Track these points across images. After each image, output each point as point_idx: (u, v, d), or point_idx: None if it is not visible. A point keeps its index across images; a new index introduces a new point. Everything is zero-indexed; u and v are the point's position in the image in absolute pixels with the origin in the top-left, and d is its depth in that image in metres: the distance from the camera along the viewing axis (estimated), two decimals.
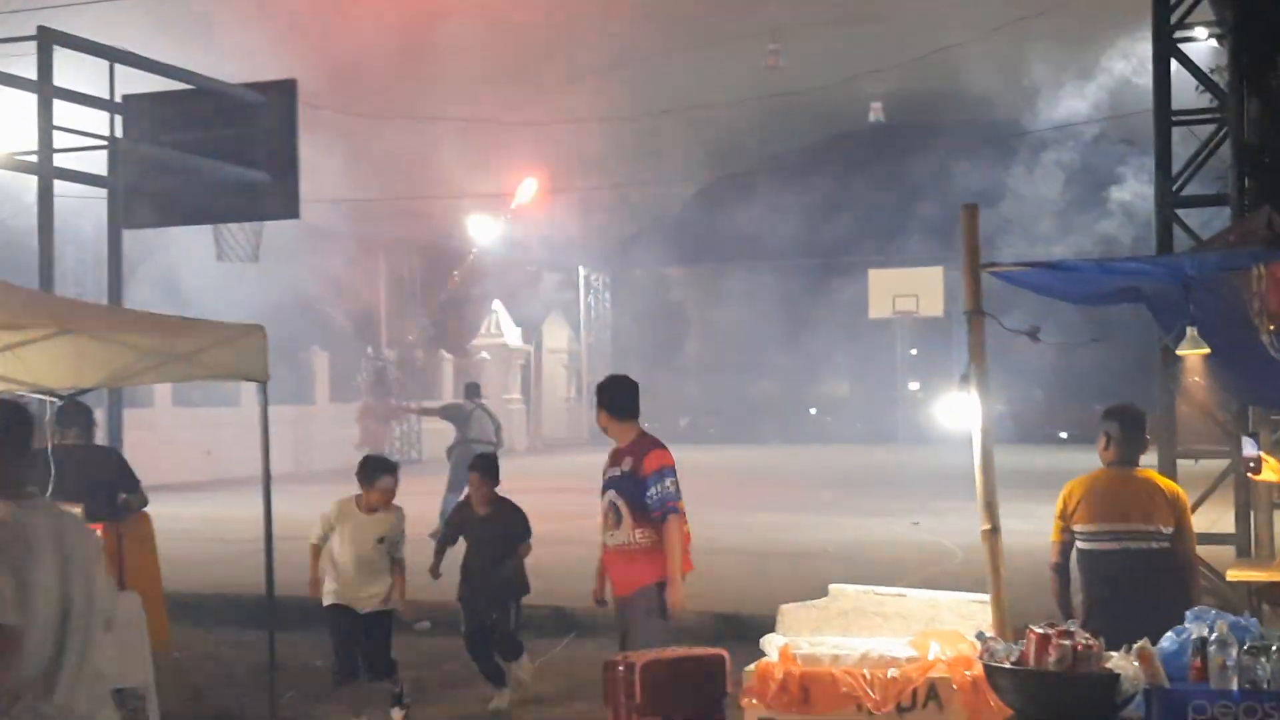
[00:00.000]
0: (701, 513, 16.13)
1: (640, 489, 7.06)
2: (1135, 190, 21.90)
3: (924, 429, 34.25)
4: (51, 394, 8.06)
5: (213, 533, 16.62)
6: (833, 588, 6.28)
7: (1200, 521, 9.05)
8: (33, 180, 12.09)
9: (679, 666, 6.11)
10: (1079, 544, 6.30)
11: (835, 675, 5.64)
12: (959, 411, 5.93)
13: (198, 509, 18.38)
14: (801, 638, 5.99)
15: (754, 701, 5.75)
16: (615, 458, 7.27)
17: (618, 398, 7.35)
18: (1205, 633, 4.66)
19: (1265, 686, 4.44)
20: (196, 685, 9.31)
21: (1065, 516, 6.36)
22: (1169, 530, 6.19)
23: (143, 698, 8.05)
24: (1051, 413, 29.20)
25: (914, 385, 36.03)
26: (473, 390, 17.99)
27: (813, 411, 39.08)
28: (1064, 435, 26.27)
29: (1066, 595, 6.34)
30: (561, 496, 17.57)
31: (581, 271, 39.49)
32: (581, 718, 8.41)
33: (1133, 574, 6.11)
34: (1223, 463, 9.31)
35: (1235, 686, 4.48)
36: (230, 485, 23.80)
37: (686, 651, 6.36)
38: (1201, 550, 9.03)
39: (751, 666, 5.88)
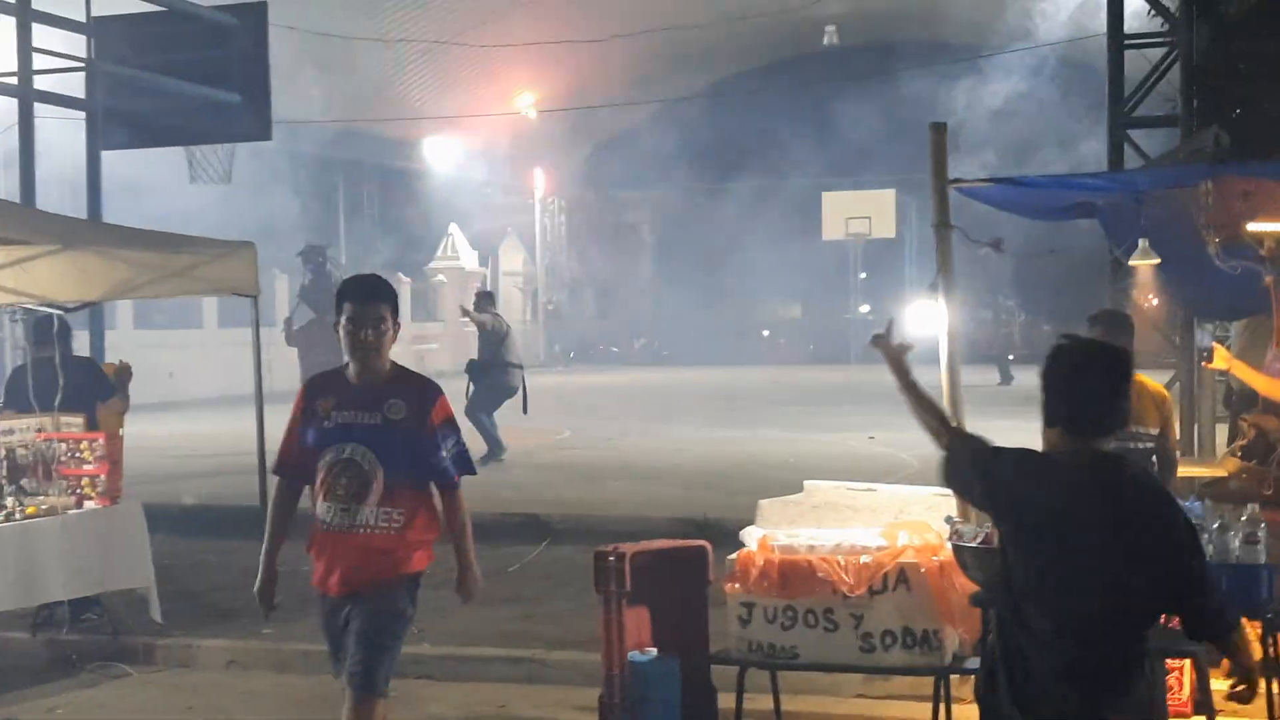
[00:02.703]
0: (664, 430, 16.68)
1: (425, 447, 5.32)
2: (1087, 111, 22.30)
3: (874, 350, 34.86)
4: (58, 306, 8.36)
5: (188, 449, 16.91)
6: (807, 484, 6.72)
7: None
8: None
9: (665, 556, 6.56)
10: None
11: (811, 562, 6.09)
12: (926, 319, 6.37)
13: (164, 428, 18.61)
14: (779, 530, 6.43)
15: (736, 587, 6.19)
16: (362, 397, 5.27)
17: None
18: None
19: (1208, 559, 4.92)
20: (190, 589, 9.69)
21: None
22: (1154, 432, 6.50)
23: (145, 598, 8.48)
24: (1003, 332, 29.75)
25: (865, 307, 36.60)
26: (488, 301, 15.92)
27: (765, 333, 39.58)
28: (1011, 357, 26.80)
29: None
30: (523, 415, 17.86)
31: (537, 194, 39.65)
32: (564, 613, 8.84)
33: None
34: (1168, 374, 9.82)
35: None
36: (193, 406, 24.04)
37: (672, 543, 6.81)
38: None
39: (733, 556, 6.32)
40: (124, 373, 8.91)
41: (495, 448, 14.94)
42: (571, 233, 41.03)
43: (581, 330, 40.66)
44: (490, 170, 35.40)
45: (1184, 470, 7.11)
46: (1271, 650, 5.70)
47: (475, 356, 15.50)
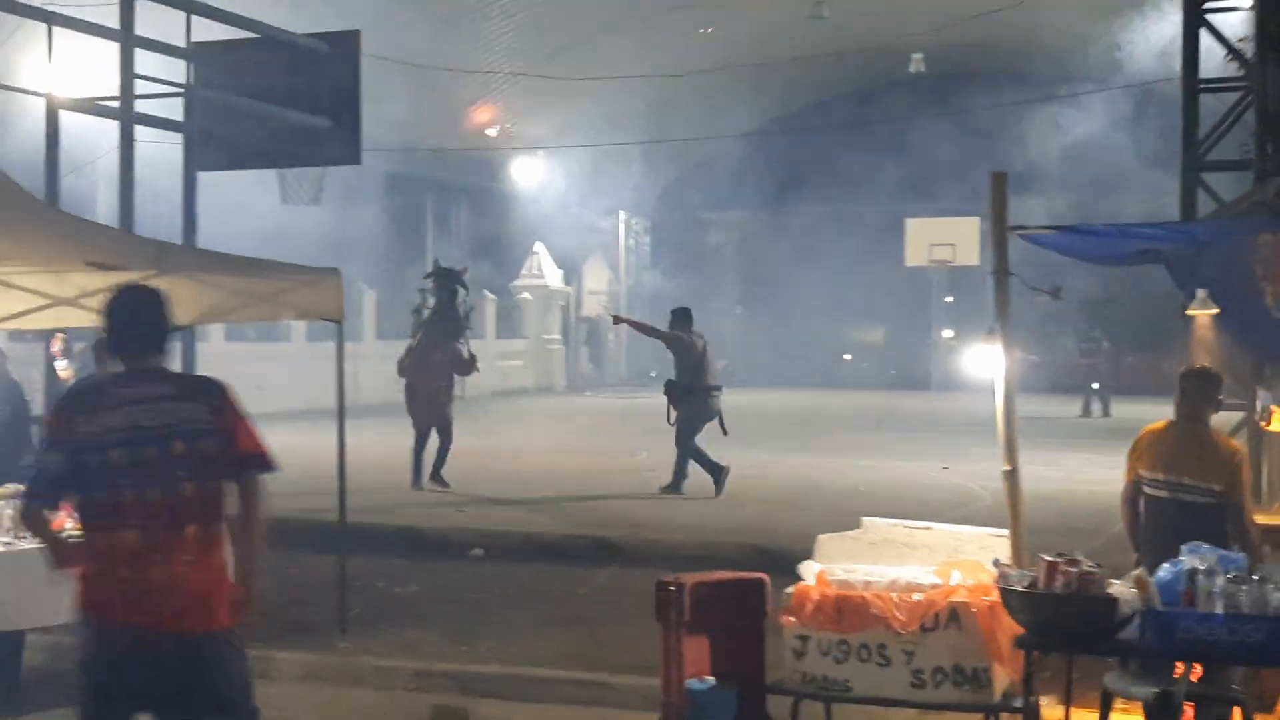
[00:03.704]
0: (740, 453, 16.84)
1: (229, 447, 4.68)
2: (1166, 152, 22.22)
3: (957, 376, 34.70)
4: None
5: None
6: (865, 520, 6.89)
7: None
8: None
9: (724, 587, 6.76)
10: (1143, 486, 6.78)
11: (866, 598, 6.27)
12: (986, 361, 6.52)
13: None
14: (836, 565, 6.60)
15: (792, 619, 6.38)
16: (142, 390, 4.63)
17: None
18: (1197, 564, 5.25)
19: (1246, 611, 5.04)
20: (268, 600, 9.98)
21: (1135, 460, 6.84)
22: (1219, 488, 6.56)
23: None
24: (1080, 363, 29.54)
25: (948, 333, 36.45)
26: (685, 319, 15.04)
27: (847, 357, 39.54)
28: (1095, 385, 26.61)
29: (1132, 528, 6.83)
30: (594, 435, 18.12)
31: (622, 215, 39.98)
32: (629, 637, 9.04)
33: (1177, 521, 6.47)
34: (1236, 418, 9.81)
35: (1220, 610, 5.07)
36: (279, 418, 24.53)
37: (731, 575, 7.00)
38: None
39: (791, 589, 6.51)
40: None
41: (681, 480, 14.54)
42: (655, 253, 41.30)
43: (664, 350, 40.87)
44: (577, 192, 35.78)
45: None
46: None
47: (674, 378, 14.88)
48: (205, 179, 14.11)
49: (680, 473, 14.57)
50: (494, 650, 8.88)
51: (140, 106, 12.99)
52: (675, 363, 14.86)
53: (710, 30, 27.48)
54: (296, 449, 18.41)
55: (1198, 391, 6.72)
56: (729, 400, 15.19)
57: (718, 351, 15.57)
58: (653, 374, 39.48)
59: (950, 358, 35.91)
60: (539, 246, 36.30)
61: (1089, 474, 15.59)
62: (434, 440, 14.85)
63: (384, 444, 16.17)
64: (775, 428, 23.54)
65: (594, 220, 38.78)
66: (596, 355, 38.89)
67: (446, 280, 15.10)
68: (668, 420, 14.72)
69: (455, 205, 34.51)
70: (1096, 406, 25.95)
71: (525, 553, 11.90)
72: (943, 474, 16.30)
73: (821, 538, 6.83)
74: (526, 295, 36.20)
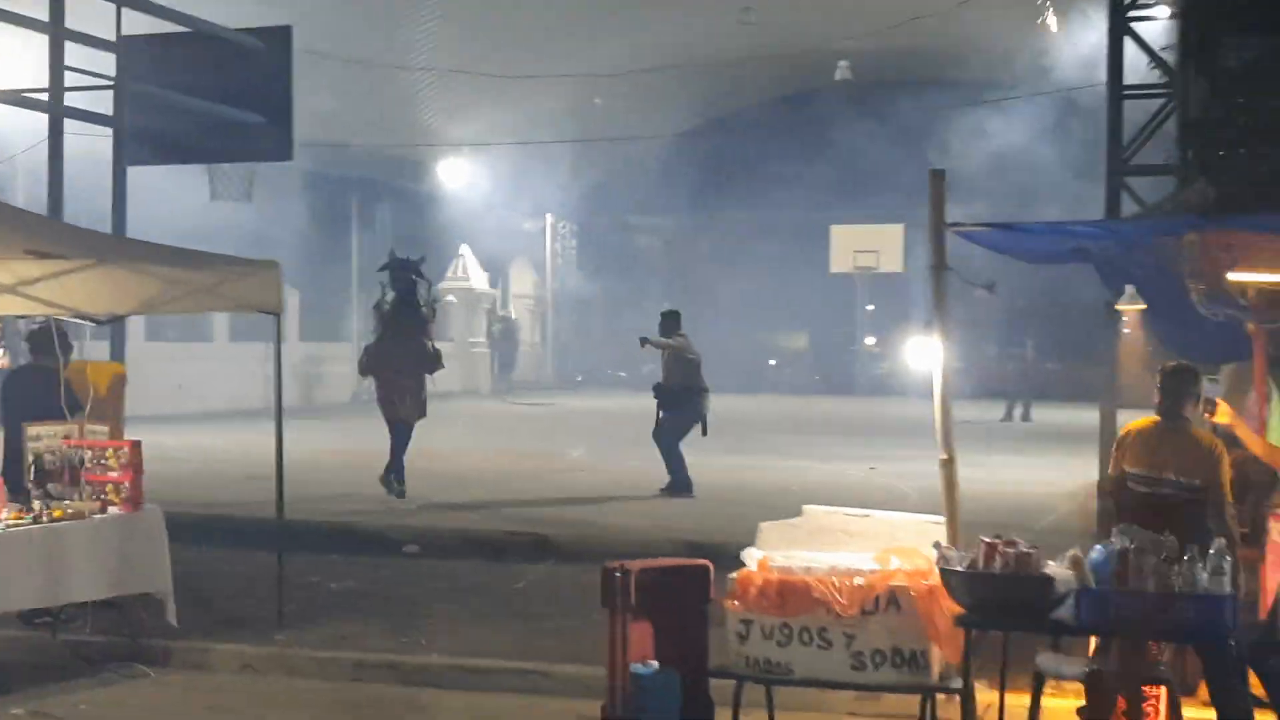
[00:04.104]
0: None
1: None
2: (1090, 160, 22.72)
3: (880, 382, 35.13)
4: (91, 319, 8.69)
5: (198, 459, 17.20)
6: (805, 508, 7.03)
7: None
8: None
9: (669, 573, 6.86)
10: (1127, 480, 6.91)
11: (808, 582, 6.40)
12: (917, 360, 6.70)
13: (173, 439, 18.93)
14: (777, 552, 6.74)
15: (736, 604, 6.51)
16: None
17: None
18: (1128, 544, 5.45)
19: (1175, 589, 5.24)
20: (203, 595, 9.96)
21: (1119, 455, 7.00)
22: (1200, 483, 6.69)
23: (163, 601, 8.80)
24: (1003, 369, 30.05)
25: (871, 339, 36.89)
26: (676, 321, 15.19)
27: (772, 362, 39.87)
28: (1012, 391, 27.10)
29: (1102, 518, 7.01)
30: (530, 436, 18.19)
31: (549, 218, 40.02)
32: (568, 629, 9.12)
33: (1156, 515, 6.46)
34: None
35: (1150, 588, 5.27)
36: (200, 419, 24.35)
37: (676, 561, 7.11)
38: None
39: (734, 575, 6.64)
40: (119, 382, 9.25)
41: (686, 482, 14.59)
42: (582, 256, 41.39)
43: (590, 354, 40.97)
44: (503, 193, 35.79)
45: None
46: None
47: (662, 381, 14.93)
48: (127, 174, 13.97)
49: (682, 473, 14.59)
50: (432, 642, 8.92)
51: (70, 100, 12.87)
52: (668, 366, 14.90)
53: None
54: (225, 447, 18.46)
55: (1177, 388, 6.84)
56: (653, 403, 15.28)
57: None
58: (580, 378, 39.62)
59: (872, 364, 36.39)
60: (464, 249, 36.24)
61: (1012, 475, 15.91)
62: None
63: (305, 444, 16.11)
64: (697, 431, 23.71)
65: (520, 223, 38.79)
66: (507, 358, 38.51)
67: (403, 271, 14.39)
68: (656, 421, 14.77)
69: (381, 205, 34.34)
70: (1018, 410, 26.40)
71: (461, 549, 11.93)
72: (870, 474, 16.53)
73: (763, 525, 6.96)
74: (451, 298, 36.11)
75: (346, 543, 12.08)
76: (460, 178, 35.24)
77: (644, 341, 15.26)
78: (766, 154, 34.87)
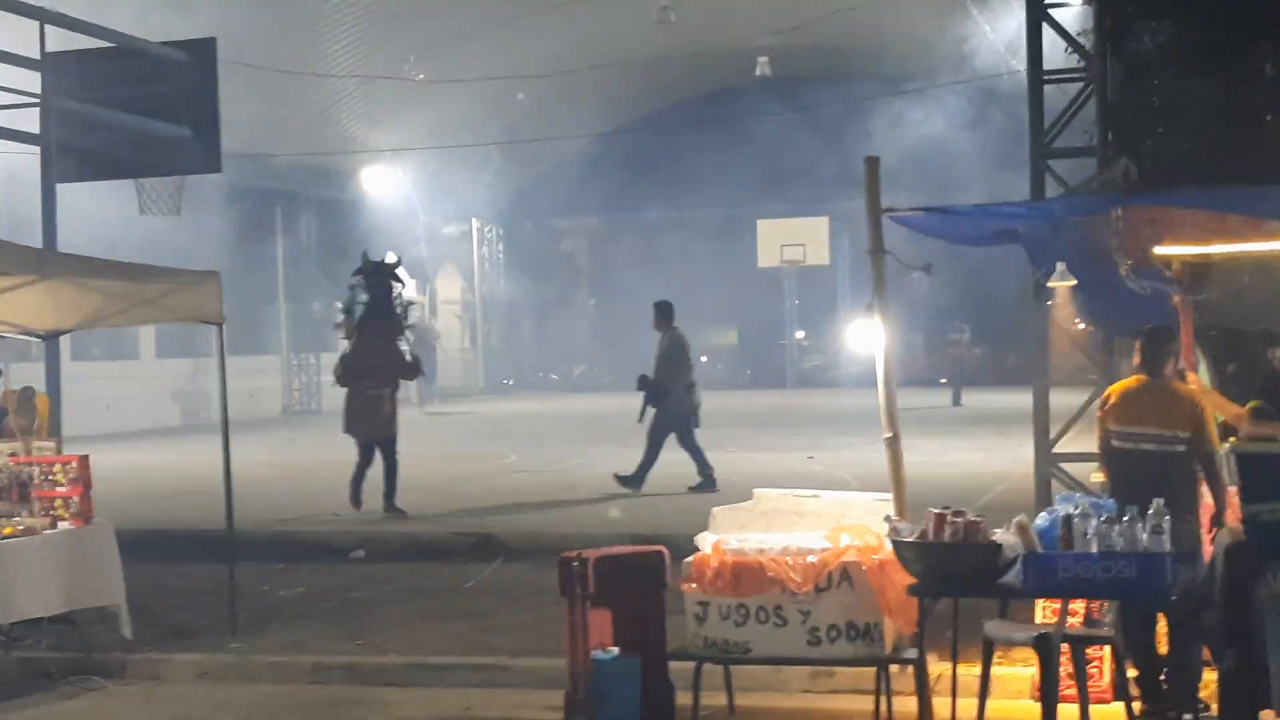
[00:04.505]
0: (606, 454, 17.09)
1: None
2: (1010, 142, 23.16)
3: (810, 374, 35.50)
4: (33, 334, 8.68)
5: (130, 477, 17.07)
6: (756, 492, 7.20)
7: (1075, 442, 10.17)
8: None
9: (625, 561, 7.00)
10: (1112, 440, 7.00)
11: (763, 562, 6.57)
12: (864, 338, 6.89)
13: (104, 458, 18.76)
14: (730, 535, 6.90)
15: (693, 587, 6.66)
16: None
17: None
18: (1071, 510, 5.66)
19: (1118, 549, 5.46)
20: (152, 609, 9.92)
21: (1104, 416, 7.09)
22: (1185, 435, 6.76)
23: (116, 614, 8.81)
24: (931, 355, 30.52)
25: (800, 333, 37.24)
26: (669, 313, 15.01)
27: (703, 359, 40.07)
28: (943, 380, 27.56)
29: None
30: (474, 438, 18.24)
31: (475, 223, 39.99)
32: (519, 625, 9.23)
33: (1146, 471, 6.62)
34: (1088, 391, 10.36)
35: (1094, 550, 5.49)
36: (128, 437, 24.12)
37: (632, 549, 7.25)
38: (1072, 468, 10.17)
39: (689, 559, 6.79)
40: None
41: (710, 476, 14.39)
42: (509, 261, 41.41)
43: (520, 358, 41.00)
44: (427, 199, 35.74)
45: (1098, 476, 7.59)
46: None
47: (651, 375, 14.65)
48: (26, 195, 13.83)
49: (700, 463, 14.43)
50: (387, 643, 8.99)
51: None
52: (661, 360, 14.64)
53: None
54: (147, 466, 18.34)
55: (1156, 348, 6.95)
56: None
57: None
58: (510, 381, 39.64)
59: (802, 357, 36.74)
60: (390, 256, 36.07)
61: (948, 458, 16.23)
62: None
63: (239, 458, 16.00)
64: (639, 428, 23.87)
65: (445, 229, 38.72)
66: (426, 367, 37.86)
67: (379, 275, 13.62)
68: (639, 419, 14.63)
69: (304, 216, 34.14)
70: (949, 395, 26.81)
71: (407, 552, 12.00)
72: (808, 463, 16.77)
73: (715, 510, 7.12)
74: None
75: (291, 551, 12.10)
76: (384, 185, 35.12)
77: (643, 382, 14.79)
78: (690, 151, 35.09)
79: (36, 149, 13.52)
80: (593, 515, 13.11)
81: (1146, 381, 7.01)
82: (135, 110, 14.07)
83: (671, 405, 14.49)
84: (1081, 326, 10.26)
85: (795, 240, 32.98)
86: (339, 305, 14.49)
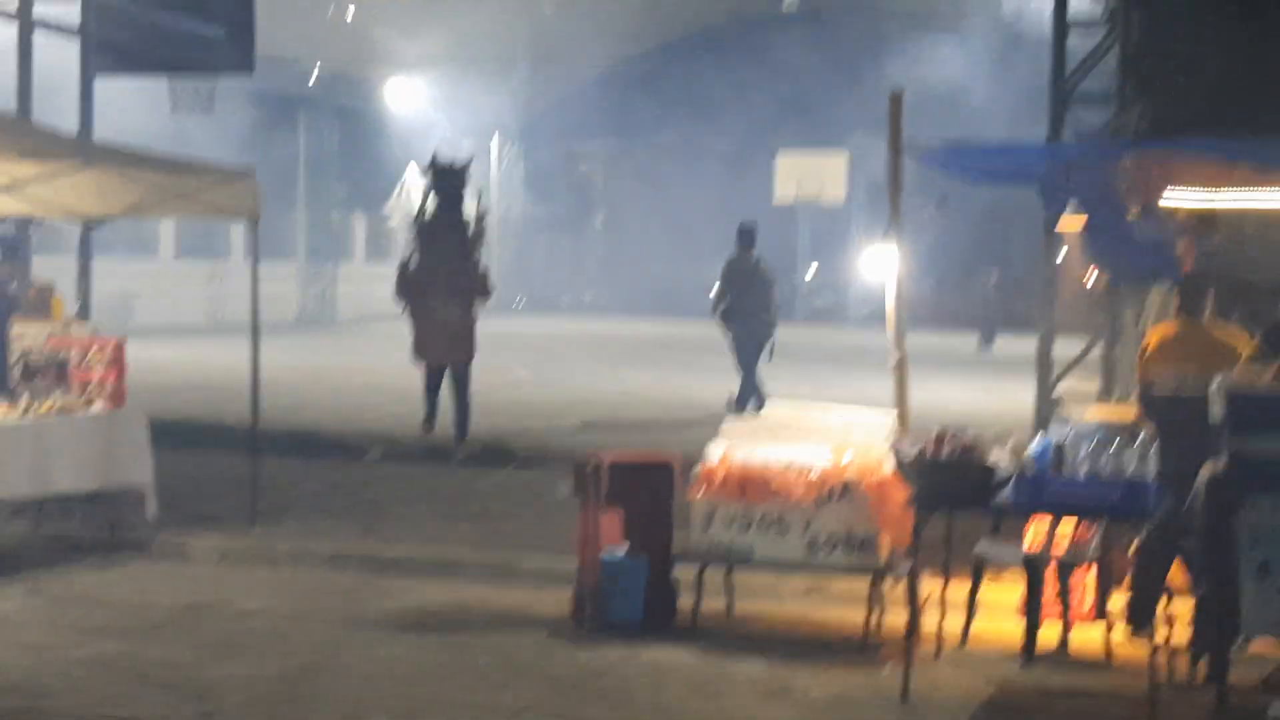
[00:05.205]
0: (618, 375, 17.43)
1: None
2: (1030, 86, 23.29)
3: (819, 309, 35.72)
4: (78, 219, 8.97)
5: (146, 370, 17.38)
6: (767, 404, 7.53)
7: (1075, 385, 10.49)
8: None
9: (638, 467, 7.34)
10: (1153, 387, 7.11)
11: (768, 473, 6.91)
12: (881, 262, 7.19)
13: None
14: (739, 446, 7.23)
15: (702, 493, 7.01)
16: None
17: None
18: (1063, 436, 5.99)
19: (1104, 474, 5.79)
20: (177, 495, 10.28)
21: (1145, 362, 7.23)
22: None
23: (141, 496, 9.17)
24: (942, 298, 30.67)
25: (813, 266, 37.43)
26: (751, 238, 14.24)
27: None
28: (968, 329, 27.67)
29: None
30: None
31: (494, 142, 40.08)
32: (527, 528, 9.58)
33: (1191, 414, 6.53)
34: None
35: (1082, 474, 5.82)
36: (147, 334, 24.44)
37: (644, 456, 7.60)
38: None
39: (698, 467, 7.13)
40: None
41: (748, 397, 13.50)
42: (527, 181, 41.53)
43: (532, 278, 41.25)
44: (449, 116, 35.84)
45: (1097, 411, 7.92)
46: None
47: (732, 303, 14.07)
48: (57, 87, 13.98)
49: (750, 390, 13.66)
50: (400, 538, 9.36)
51: (36, 10, 13.00)
52: (737, 288, 14.08)
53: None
54: (173, 361, 18.68)
55: (1195, 293, 7.12)
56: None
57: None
58: (522, 301, 39.92)
59: (813, 293, 36.96)
60: (410, 169, 36.26)
61: (958, 396, 16.49)
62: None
63: (261, 358, 16.38)
64: (650, 353, 24.25)
65: (467, 146, 38.81)
66: None
67: (449, 177, 12.20)
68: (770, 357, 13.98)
69: (327, 124, 34.29)
70: (984, 339, 26.89)
71: (421, 456, 12.33)
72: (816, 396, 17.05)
73: (726, 422, 7.45)
74: (395, 220, 36.20)
75: (308, 449, 12.43)
76: (408, 98, 35.25)
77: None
78: (711, 81, 35.10)
79: (74, 42, 13.71)
80: (604, 430, 13.43)
81: (1186, 326, 7.14)
82: (173, 6, 14.24)
83: (755, 326, 14.00)
84: (1090, 282, 10.51)
85: (813, 176, 33.07)
86: (392, 208, 13.30)
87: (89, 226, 9.26)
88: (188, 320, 28.09)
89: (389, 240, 35.90)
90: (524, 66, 34.15)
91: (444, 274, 11.84)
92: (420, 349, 12.09)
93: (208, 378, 16.64)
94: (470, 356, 12.05)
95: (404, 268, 12.10)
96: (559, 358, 22.65)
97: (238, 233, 31.39)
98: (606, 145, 40.42)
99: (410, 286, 11.97)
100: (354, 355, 22.52)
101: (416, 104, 35.28)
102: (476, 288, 12.03)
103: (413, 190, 36.30)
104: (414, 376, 13.55)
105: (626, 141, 39.37)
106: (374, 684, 6.34)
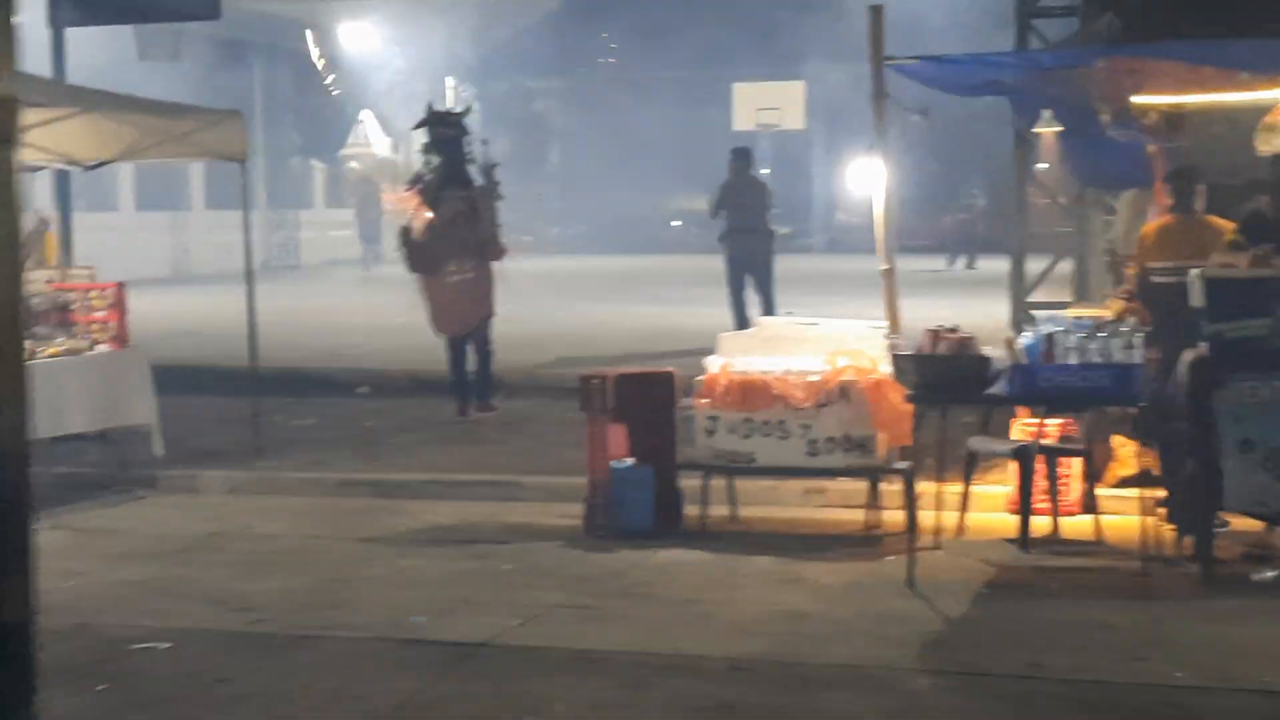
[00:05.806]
0: (589, 309, 17.64)
1: None
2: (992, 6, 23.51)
3: (782, 241, 35.96)
4: (78, 164, 9.12)
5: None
6: (759, 319, 7.82)
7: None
8: None
9: (641, 380, 7.63)
10: (1151, 276, 7.32)
11: (768, 380, 7.20)
12: (866, 175, 7.46)
13: None
14: (736, 358, 7.52)
15: (704, 402, 7.30)
16: None
17: None
18: (1054, 327, 6.30)
19: (1094, 361, 6.11)
20: (178, 434, 10.47)
21: (1142, 254, 7.46)
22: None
23: (149, 434, 9.40)
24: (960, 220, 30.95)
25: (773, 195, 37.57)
26: (747, 159, 14.77)
27: (676, 224, 40.54)
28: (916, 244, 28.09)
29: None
30: None
31: (449, 82, 39.94)
32: (525, 450, 9.85)
33: (1184, 299, 6.59)
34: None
35: (1073, 361, 6.14)
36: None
37: (646, 369, 7.88)
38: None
39: (699, 378, 7.41)
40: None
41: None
42: (485, 119, 41.42)
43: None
44: (404, 58, 35.69)
45: (1076, 311, 8.24)
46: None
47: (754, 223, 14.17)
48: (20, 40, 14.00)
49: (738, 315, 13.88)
50: (401, 464, 9.62)
51: None
52: (739, 207, 14.23)
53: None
54: (144, 310, 18.72)
55: (1185, 185, 7.34)
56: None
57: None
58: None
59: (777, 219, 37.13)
60: (365, 114, 36.13)
61: (936, 314, 16.77)
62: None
63: (231, 306, 16.51)
64: (615, 286, 24.48)
65: (420, 87, 38.66)
66: (370, 229, 33.52)
67: (446, 126, 11.35)
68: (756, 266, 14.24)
69: (282, 71, 34.13)
70: (960, 261, 27.52)
71: (410, 389, 12.57)
72: (788, 317, 17.34)
73: (722, 336, 7.73)
74: (354, 164, 36.09)
75: (299, 387, 12.64)
76: (361, 43, 35.08)
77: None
78: (663, 10, 35.13)
79: None
80: (592, 359, 13.64)
81: (1181, 218, 7.36)
82: None
83: (754, 243, 14.20)
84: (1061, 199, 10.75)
85: (771, 104, 33.18)
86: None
87: (79, 166, 9.35)
88: (152, 271, 28.08)
89: (345, 186, 35.84)
90: (477, 4, 34.00)
91: (454, 236, 10.94)
92: (438, 320, 11.21)
93: (186, 325, 16.76)
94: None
95: (406, 234, 11.15)
96: (527, 294, 22.81)
97: (197, 184, 31.40)
98: (563, 80, 40.40)
99: (422, 255, 11.01)
100: (323, 299, 22.63)
101: (371, 47, 35.12)
102: (490, 249, 11.20)
103: (370, 135, 36.26)
104: (388, 314, 13.63)
105: (581, 76, 39.37)
106: (407, 589, 6.62)
